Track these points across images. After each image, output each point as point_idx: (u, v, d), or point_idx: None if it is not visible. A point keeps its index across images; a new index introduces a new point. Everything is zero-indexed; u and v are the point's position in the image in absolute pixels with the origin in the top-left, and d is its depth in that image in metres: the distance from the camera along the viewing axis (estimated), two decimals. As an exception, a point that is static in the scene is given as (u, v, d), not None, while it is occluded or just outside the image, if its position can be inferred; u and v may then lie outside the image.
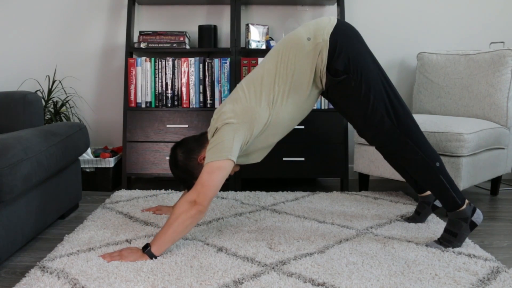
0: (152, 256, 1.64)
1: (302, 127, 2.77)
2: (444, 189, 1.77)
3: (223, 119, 1.76)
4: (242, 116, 1.75)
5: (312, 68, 1.78)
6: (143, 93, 2.83)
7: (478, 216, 1.77)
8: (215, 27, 2.94)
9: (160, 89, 2.83)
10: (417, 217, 2.10)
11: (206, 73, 2.83)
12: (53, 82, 3.02)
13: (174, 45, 2.88)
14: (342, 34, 1.78)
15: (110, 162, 2.79)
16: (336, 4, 3.06)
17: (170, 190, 2.71)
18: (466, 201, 1.78)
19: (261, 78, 1.80)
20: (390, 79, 1.83)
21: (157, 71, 2.83)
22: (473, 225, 1.77)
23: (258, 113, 1.77)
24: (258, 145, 1.87)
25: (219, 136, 1.73)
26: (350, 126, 3.08)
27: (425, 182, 1.81)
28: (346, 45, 1.76)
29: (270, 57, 1.84)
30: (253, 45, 2.91)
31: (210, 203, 1.67)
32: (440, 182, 1.77)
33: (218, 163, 1.68)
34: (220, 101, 2.82)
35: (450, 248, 1.76)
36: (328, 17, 1.85)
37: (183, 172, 1.87)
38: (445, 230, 1.80)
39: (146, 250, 1.64)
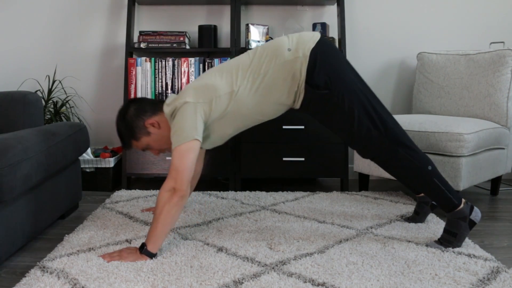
0: (150, 254, 1.64)
1: (302, 127, 2.77)
2: (440, 191, 1.77)
3: (183, 97, 1.75)
4: (202, 95, 1.75)
5: (286, 79, 1.76)
6: (143, 93, 2.83)
7: (476, 214, 1.78)
8: (215, 27, 2.94)
9: (160, 89, 2.83)
10: (417, 217, 2.10)
11: (206, 73, 2.83)
12: (53, 82, 3.02)
13: (174, 45, 2.88)
14: (323, 50, 1.77)
15: (110, 162, 2.79)
16: (336, 4, 3.06)
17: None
18: (463, 200, 1.79)
19: (235, 68, 1.80)
20: (372, 91, 1.82)
21: (157, 71, 2.83)
22: (472, 224, 1.77)
23: (219, 96, 1.76)
24: (215, 130, 1.84)
25: (180, 117, 1.72)
26: (350, 126, 3.08)
27: (420, 187, 1.82)
28: (326, 62, 1.76)
29: (247, 54, 1.84)
30: (253, 45, 2.91)
31: (189, 185, 1.68)
32: (434, 185, 1.77)
33: (185, 145, 1.68)
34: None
35: (450, 248, 1.76)
36: (312, 32, 1.84)
37: (126, 127, 1.85)
38: (445, 230, 1.80)
39: (143, 250, 1.64)
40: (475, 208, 1.79)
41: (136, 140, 1.87)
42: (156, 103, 1.90)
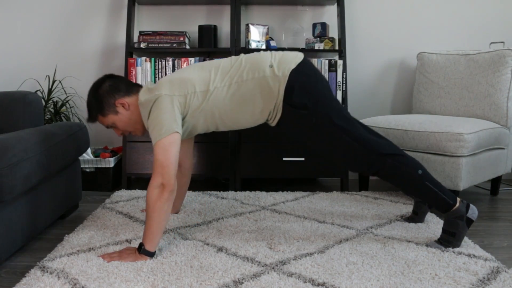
0: (149, 254, 1.64)
1: (302, 127, 2.77)
2: (434, 194, 1.77)
3: (158, 89, 1.75)
4: (178, 89, 1.75)
5: (262, 94, 1.76)
6: (143, 93, 2.83)
7: (473, 212, 1.77)
8: (215, 27, 2.94)
9: (160, 89, 2.83)
10: (415, 217, 2.10)
11: (206, 73, 2.83)
12: (53, 82, 3.02)
13: (174, 45, 2.88)
14: (303, 72, 1.78)
15: (110, 162, 2.79)
16: (336, 4, 3.06)
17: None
18: (458, 199, 1.79)
19: (214, 68, 1.80)
20: (347, 111, 1.84)
21: (157, 71, 2.83)
22: (469, 222, 1.77)
23: (195, 93, 1.75)
24: (190, 123, 1.83)
25: (158, 110, 1.71)
26: (350, 126, 3.08)
27: (413, 191, 1.81)
28: (305, 83, 1.76)
29: (230, 60, 1.85)
30: (253, 45, 2.91)
31: (176, 179, 1.68)
32: (427, 188, 1.77)
33: (167, 139, 1.67)
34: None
35: (450, 248, 1.76)
36: (295, 53, 1.85)
37: (96, 100, 1.83)
38: (443, 230, 1.80)
39: (141, 250, 1.64)
40: (471, 206, 1.79)
41: (102, 116, 1.85)
42: (132, 85, 1.88)
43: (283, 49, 2.90)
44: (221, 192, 2.70)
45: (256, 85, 1.76)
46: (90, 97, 1.85)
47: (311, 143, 1.84)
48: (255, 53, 1.86)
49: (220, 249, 1.75)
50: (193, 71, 1.81)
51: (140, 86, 1.89)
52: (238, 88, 1.77)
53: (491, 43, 3.04)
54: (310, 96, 1.76)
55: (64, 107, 3.03)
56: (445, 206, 1.77)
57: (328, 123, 1.75)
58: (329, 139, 1.78)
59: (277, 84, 1.75)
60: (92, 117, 1.87)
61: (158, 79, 2.82)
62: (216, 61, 1.86)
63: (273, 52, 1.86)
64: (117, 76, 1.90)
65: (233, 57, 1.86)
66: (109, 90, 1.83)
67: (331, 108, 1.77)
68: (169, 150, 1.66)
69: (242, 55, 1.86)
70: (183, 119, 1.78)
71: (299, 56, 1.82)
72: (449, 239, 1.78)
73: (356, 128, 1.78)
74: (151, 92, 1.77)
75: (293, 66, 1.77)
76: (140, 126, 1.88)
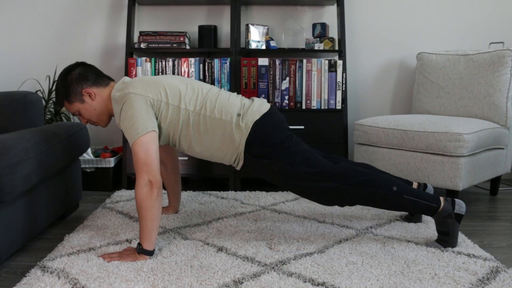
0: (147, 252, 1.64)
1: (302, 127, 2.77)
2: (415, 204, 1.76)
3: (131, 87, 1.74)
4: (151, 91, 1.74)
5: (223, 137, 1.76)
6: (143, 93, 2.83)
7: (460, 207, 1.77)
8: (215, 27, 2.94)
9: (160, 89, 2.83)
10: (412, 217, 2.11)
11: (206, 73, 2.83)
12: (54, 82, 3.02)
13: (174, 45, 2.88)
14: (266, 123, 1.78)
15: (110, 162, 2.79)
16: (336, 4, 3.06)
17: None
18: (441, 198, 1.78)
19: (194, 88, 1.81)
20: (311, 148, 1.83)
21: (157, 71, 2.83)
22: (459, 217, 1.76)
23: (167, 103, 1.75)
24: (167, 132, 1.82)
25: (131, 110, 1.69)
26: (350, 126, 3.09)
27: (395, 208, 1.79)
28: (268, 135, 1.77)
29: (209, 86, 1.86)
30: (253, 45, 2.91)
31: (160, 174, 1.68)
32: (407, 201, 1.76)
33: (145, 137, 1.66)
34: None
35: (450, 248, 1.76)
36: (262, 101, 1.85)
37: (64, 86, 1.82)
38: (437, 231, 1.82)
39: (140, 249, 1.64)
40: (457, 201, 1.78)
41: (68, 103, 1.84)
42: (102, 76, 1.87)
43: (283, 50, 2.90)
44: (221, 192, 2.70)
45: (220, 126, 1.76)
46: (58, 82, 1.85)
47: (280, 185, 1.84)
48: (232, 94, 1.85)
49: (220, 249, 1.75)
50: (171, 80, 1.82)
51: (110, 80, 1.88)
52: (204, 120, 1.77)
53: (491, 43, 3.04)
54: (270, 147, 1.76)
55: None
56: (430, 211, 1.77)
57: (291, 170, 1.75)
58: (296, 183, 1.78)
59: (239, 135, 1.76)
60: (58, 103, 1.87)
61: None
62: (196, 82, 1.87)
63: (245, 100, 1.86)
64: (88, 65, 1.88)
65: (213, 87, 1.87)
66: (78, 78, 1.82)
67: (293, 156, 1.76)
68: (149, 147, 1.66)
69: (221, 90, 1.87)
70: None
71: (264, 106, 1.82)
72: (444, 238, 1.78)
73: (321, 167, 1.76)
74: (125, 89, 1.76)
75: (257, 117, 1.77)
76: (105, 117, 1.88)
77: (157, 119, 1.75)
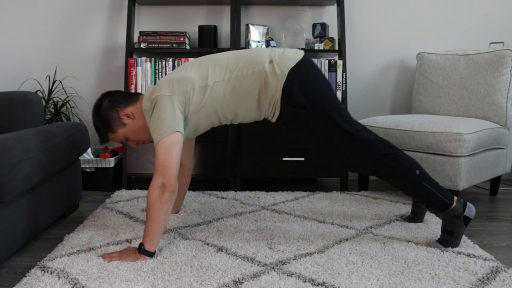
0: (148, 253, 1.64)
1: (302, 127, 2.77)
2: (430, 194, 1.77)
3: (158, 90, 1.74)
4: (177, 88, 1.74)
5: (259, 89, 1.76)
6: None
7: (470, 210, 1.78)
8: (215, 27, 2.94)
9: (160, 89, 2.83)
10: (414, 216, 2.11)
11: (206, 73, 2.83)
12: (54, 82, 3.02)
13: (174, 45, 2.88)
14: (303, 70, 1.77)
15: (111, 162, 2.79)
16: (336, 4, 3.06)
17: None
18: (455, 198, 1.79)
19: (212, 63, 1.80)
20: (347, 111, 1.83)
21: (157, 71, 2.83)
22: (467, 220, 1.77)
23: (194, 89, 1.75)
24: (191, 123, 1.83)
25: (158, 111, 1.70)
26: (350, 126, 3.08)
27: (410, 191, 1.82)
28: (304, 82, 1.76)
29: (227, 54, 1.84)
30: (253, 45, 2.91)
31: (177, 180, 1.68)
32: (424, 188, 1.77)
33: (168, 139, 1.66)
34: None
35: (450, 248, 1.76)
36: (295, 50, 1.83)
37: (101, 120, 1.83)
38: (442, 230, 1.81)
39: (141, 250, 1.64)
40: (469, 204, 1.79)
41: (112, 133, 1.85)
42: (130, 95, 1.88)
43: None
44: (221, 192, 2.70)
45: (255, 80, 1.76)
46: (94, 118, 1.86)
47: (310, 142, 1.84)
48: (253, 48, 1.84)
49: (220, 249, 1.75)
50: (191, 68, 1.81)
51: (139, 94, 1.90)
52: (238, 82, 1.76)
53: (491, 43, 3.04)
54: (308, 96, 1.75)
55: (64, 107, 3.04)
56: (442, 206, 1.77)
57: (326, 123, 1.75)
58: (327, 139, 1.78)
59: (275, 82, 1.74)
60: (103, 138, 1.86)
61: (158, 79, 2.82)
62: (213, 56, 1.85)
63: (273, 48, 1.85)
64: (113, 91, 1.90)
65: (230, 52, 1.86)
66: (110, 106, 1.83)
67: (330, 108, 1.76)
68: (170, 150, 1.66)
69: (239, 50, 1.86)
70: (185, 118, 1.78)
71: (299, 54, 1.81)
72: (447, 238, 1.78)
73: (355, 128, 1.77)
74: (152, 95, 1.77)
75: (292, 64, 1.76)
76: (150, 132, 1.87)
77: (188, 113, 1.75)
